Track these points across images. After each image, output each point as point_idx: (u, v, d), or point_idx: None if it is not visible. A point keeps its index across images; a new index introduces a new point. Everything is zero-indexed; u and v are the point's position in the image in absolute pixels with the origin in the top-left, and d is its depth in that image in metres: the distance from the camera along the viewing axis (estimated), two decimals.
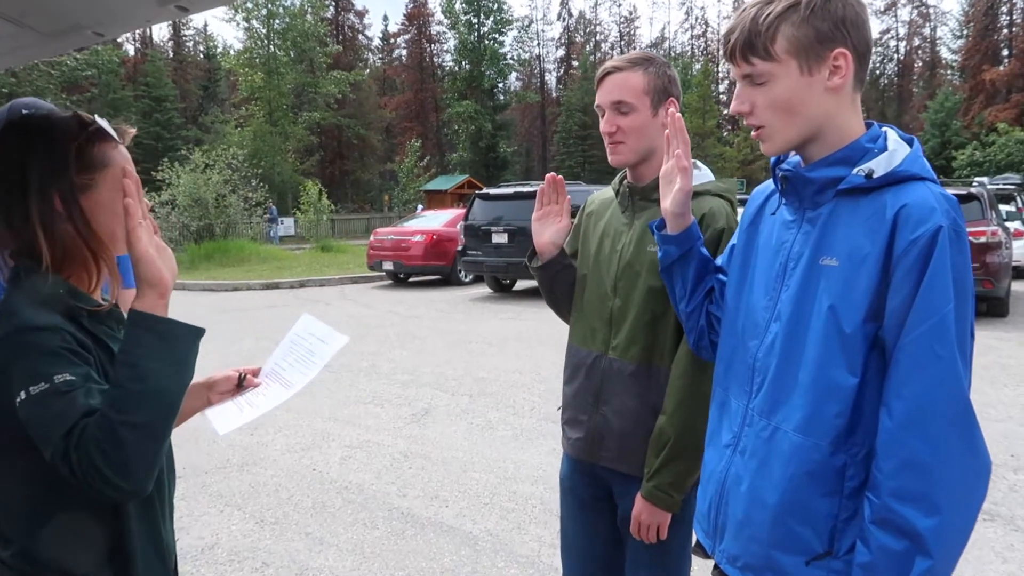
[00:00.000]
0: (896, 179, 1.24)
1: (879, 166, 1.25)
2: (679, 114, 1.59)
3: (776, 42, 1.26)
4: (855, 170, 1.26)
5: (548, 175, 2.04)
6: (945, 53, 58.73)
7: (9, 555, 1.19)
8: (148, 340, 1.13)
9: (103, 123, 1.27)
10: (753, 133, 1.35)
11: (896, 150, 1.27)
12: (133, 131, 1.36)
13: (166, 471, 1.40)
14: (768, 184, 1.53)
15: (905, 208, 1.19)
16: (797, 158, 1.40)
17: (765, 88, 1.30)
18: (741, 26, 1.29)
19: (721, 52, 1.37)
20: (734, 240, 1.59)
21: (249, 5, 38.32)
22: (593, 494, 2.07)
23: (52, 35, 1.53)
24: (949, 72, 57.54)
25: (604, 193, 2.16)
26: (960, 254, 1.17)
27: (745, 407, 1.40)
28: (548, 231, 2.02)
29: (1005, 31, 51.96)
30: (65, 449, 1.07)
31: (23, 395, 1.10)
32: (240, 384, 1.61)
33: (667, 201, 1.57)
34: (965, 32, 54.35)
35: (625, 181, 2.02)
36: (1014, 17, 51.86)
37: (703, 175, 1.94)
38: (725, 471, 1.43)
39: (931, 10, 60.27)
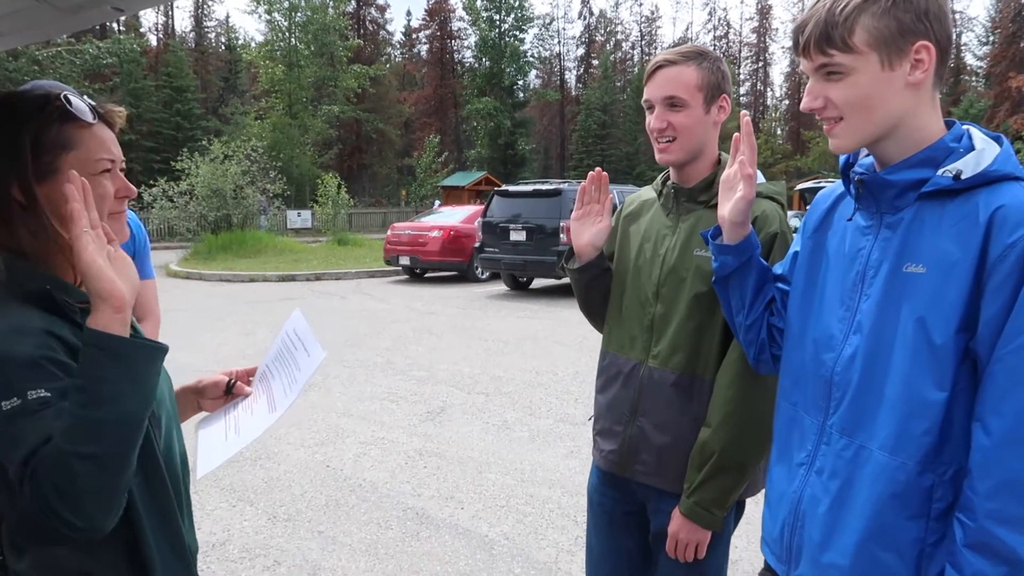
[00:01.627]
0: (988, 179, 1.14)
1: (967, 166, 1.15)
2: (749, 117, 1.49)
3: (855, 34, 1.18)
4: (940, 171, 1.17)
5: (592, 171, 1.93)
6: (970, 59, 57.94)
7: (25, 567, 1.11)
8: (102, 361, 1.00)
9: (75, 99, 1.13)
10: (826, 127, 1.26)
11: (985, 149, 1.17)
12: (122, 111, 1.23)
13: (180, 466, 1.31)
14: (833, 188, 1.43)
15: (1001, 210, 1.10)
16: (870, 159, 1.30)
17: (842, 83, 1.21)
18: (816, 18, 1.21)
19: (792, 48, 1.28)
20: (796, 247, 1.49)
21: None
22: (624, 510, 1.97)
23: (71, 10, 1.45)
24: (974, 79, 56.81)
25: (643, 193, 2.05)
26: None
27: (821, 424, 1.31)
28: (588, 232, 1.91)
29: None
30: (21, 479, 0.98)
31: None
32: (229, 390, 1.51)
33: (726, 208, 1.48)
34: (991, 38, 53.60)
35: (669, 182, 1.91)
36: None
37: None
38: (800, 492, 1.34)
39: (957, 16, 59.24)
